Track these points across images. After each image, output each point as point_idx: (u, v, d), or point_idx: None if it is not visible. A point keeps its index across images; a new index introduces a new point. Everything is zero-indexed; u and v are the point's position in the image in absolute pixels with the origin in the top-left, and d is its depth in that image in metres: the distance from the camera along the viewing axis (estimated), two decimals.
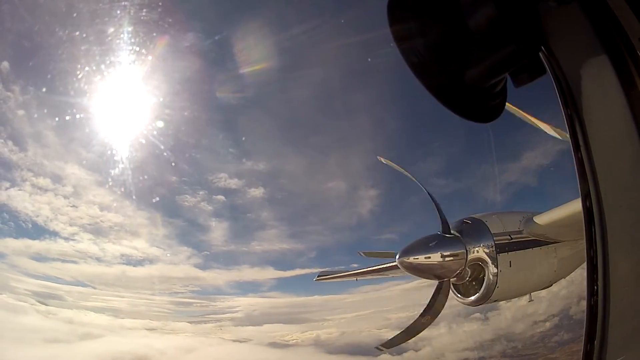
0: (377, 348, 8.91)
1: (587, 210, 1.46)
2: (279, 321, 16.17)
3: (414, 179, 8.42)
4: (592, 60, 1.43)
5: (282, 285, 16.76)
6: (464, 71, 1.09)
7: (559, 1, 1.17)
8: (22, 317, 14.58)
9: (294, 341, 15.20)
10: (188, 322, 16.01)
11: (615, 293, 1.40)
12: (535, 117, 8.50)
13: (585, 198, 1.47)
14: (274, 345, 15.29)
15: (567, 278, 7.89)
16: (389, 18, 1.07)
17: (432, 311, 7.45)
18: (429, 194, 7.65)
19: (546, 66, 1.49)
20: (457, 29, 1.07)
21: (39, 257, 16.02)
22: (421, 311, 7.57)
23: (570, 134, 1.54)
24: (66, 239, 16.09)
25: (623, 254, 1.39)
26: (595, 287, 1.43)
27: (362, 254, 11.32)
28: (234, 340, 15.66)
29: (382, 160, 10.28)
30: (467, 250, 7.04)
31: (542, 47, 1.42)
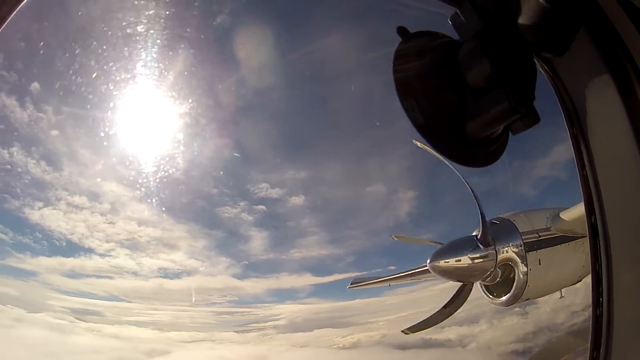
0: (403, 331, 9.47)
1: (592, 226, 1.53)
2: (326, 326, 16.37)
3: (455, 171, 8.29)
4: (597, 80, 1.43)
5: (320, 291, 16.87)
6: (464, 125, 1.11)
7: (555, 53, 1.16)
8: (69, 336, 14.80)
9: (352, 342, 15.37)
10: (234, 331, 16.28)
11: (619, 304, 1.45)
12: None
13: (590, 214, 1.53)
14: (337, 347, 15.50)
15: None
16: (394, 79, 1.10)
17: (456, 301, 7.71)
18: (472, 191, 7.30)
19: (551, 86, 1.49)
20: (457, 84, 1.09)
21: (73, 274, 16.20)
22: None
23: (575, 153, 1.58)
24: (102, 255, 16.30)
25: (626, 267, 1.46)
26: (601, 299, 1.50)
27: (394, 237, 11.41)
28: (293, 346, 15.91)
29: (418, 144, 10.37)
30: (496, 251, 7.18)
31: (547, 69, 1.40)
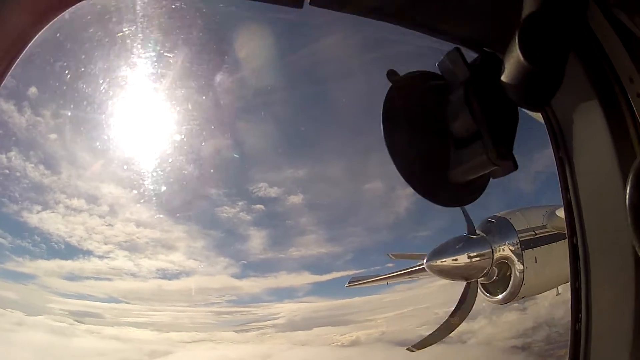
0: (408, 349, 8.89)
1: (573, 246, 1.59)
2: (325, 324, 16.42)
3: None
4: (584, 105, 1.49)
5: (319, 290, 16.94)
6: (447, 171, 1.13)
7: (532, 109, 1.22)
8: (70, 339, 14.78)
9: (351, 340, 15.39)
10: (234, 331, 16.32)
11: (597, 320, 1.52)
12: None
13: (572, 236, 1.60)
14: (337, 345, 15.55)
15: None
16: (383, 124, 1.12)
17: (461, 311, 7.64)
18: None
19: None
20: (442, 131, 1.11)
21: (72, 277, 16.14)
22: (451, 312, 7.79)
23: (559, 176, 1.64)
24: (100, 257, 16.25)
25: (604, 286, 1.52)
26: (580, 315, 1.57)
27: (391, 256, 11.63)
28: (295, 345, 15.94)
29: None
30: (493, 250, 7.26)
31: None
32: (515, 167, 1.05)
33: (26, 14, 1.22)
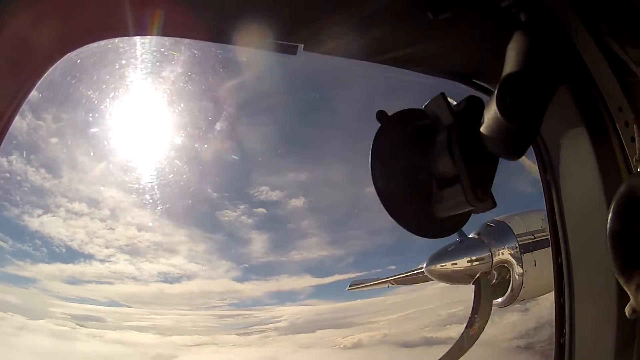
0: None
1: (559, 266, 1.68)
2: (328, 327, 16.37)
3: None
4: (572, 130, 1.53)
5: (321, 292, 16.90)
6: (430, 207, 1.16)
7: (509, 159, 1.16)
8: (73, 343, 14.80)
9: (354, 343, 15.35)
10: (236, 334, 16.30)
11: (580, 335, 1.60)
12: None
13: (557, 256, 1.68)
14: (341, 348, 15.51)
15: None
16: (370, 162, 1.16)
17: (481, 313, 7.29)
18: None
19: None
20: (426, 171, 1.14)
21: (73, 281, 16.04)
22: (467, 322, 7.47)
23: (545, 199, 1.70)
24: (101, 261, 16.15)
25: (588, 304, 1.60)
26: (564, 330, 1.65)
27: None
28: (299, 347, 15.90)
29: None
30: (492, 254, 7.30)
31: None
32: (493, 205, 1.09)
33: (35, 53, 1.29)
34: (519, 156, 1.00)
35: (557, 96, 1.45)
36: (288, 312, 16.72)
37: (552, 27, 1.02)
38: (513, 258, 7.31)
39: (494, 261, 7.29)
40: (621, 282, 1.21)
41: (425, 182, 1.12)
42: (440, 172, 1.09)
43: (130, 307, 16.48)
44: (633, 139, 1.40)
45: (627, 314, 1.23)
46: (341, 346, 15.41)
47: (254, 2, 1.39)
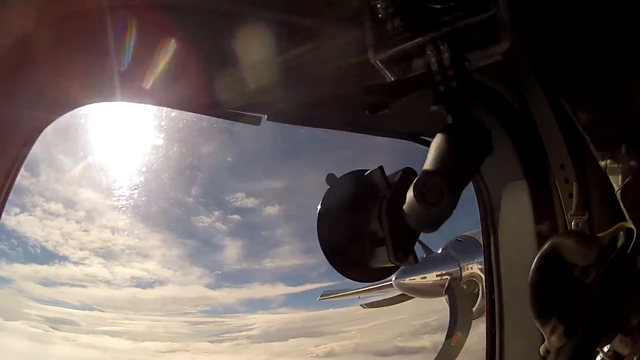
0: None
1: (492, 301, 1.78)
2: (300, 335, 16.30)
3: None
4: (513, 182, 1.65)
5: (293, 301, 16.94)
6: (365, 258, 1.23)
7: (430, 232, 1.19)
8: (48, 346, 14.49)
9: (326, 352, 15.25)
10: (209, 341, 16.07)
11: None
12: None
13: (491, 293, 1.79)
14: (313, 357, 15.36)
15: None
16: (317, 227, 1.25)
17: (460, 325, 7.31)
18: None
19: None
20: (363, 231, 1.21)
21: (47, 282, 15.91)
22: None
23: (483, 240, 1.83)
24: (75, 263, 16.00)
25: (517, 337, 1.71)
26: (494, 357, 1.76)
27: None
28: (271, 356, 15.73)
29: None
30: (461, 268, 7.45)
31: None
32: (415, 262, 1.18)
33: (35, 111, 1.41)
34: (435, 229, 1.08)
35: (503, 146, 1.62)
36: (260, 320, 16.64)
37: (475, 131, 1.09)
38: (481, 272, 7.42)
39: (462, 275, 7.40)
40: (538, 325, 1.34)
41: (362, 238, 1.22)
42: (372, 233, 1.19)
43: (103, 311, 16.18)
44: (571, 195, 1.50)
45: (541, 352, 1.36)
46: (314, 355, 15.40)
47: (222, 76, 1.48)
